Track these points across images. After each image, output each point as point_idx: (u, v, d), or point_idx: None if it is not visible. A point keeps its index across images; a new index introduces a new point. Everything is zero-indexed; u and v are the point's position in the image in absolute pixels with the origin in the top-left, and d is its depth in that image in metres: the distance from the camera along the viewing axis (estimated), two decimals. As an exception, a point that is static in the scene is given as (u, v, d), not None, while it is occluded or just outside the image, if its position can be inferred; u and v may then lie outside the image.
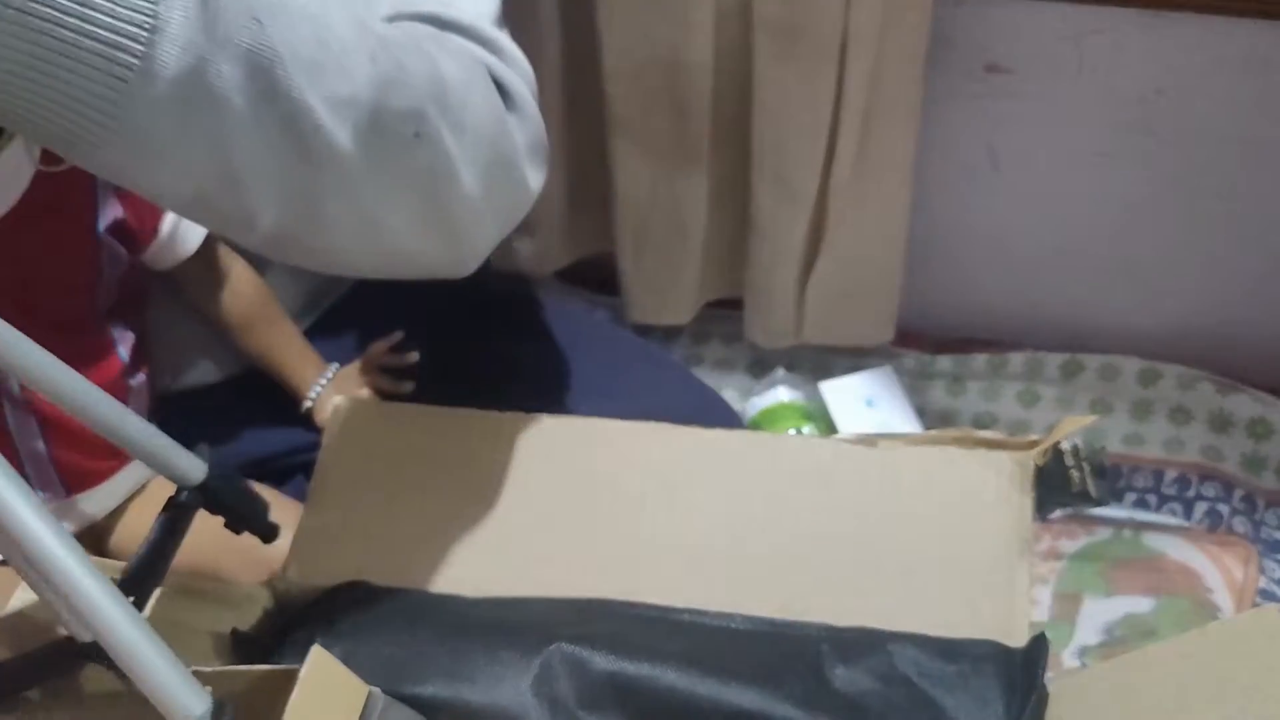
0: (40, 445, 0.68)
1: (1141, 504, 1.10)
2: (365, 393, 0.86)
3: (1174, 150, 1.05)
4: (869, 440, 0.65)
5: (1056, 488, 0.60)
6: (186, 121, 0.39)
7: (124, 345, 0.73)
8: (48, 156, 0.62)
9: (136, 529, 0.76)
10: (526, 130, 0.57)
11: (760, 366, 1.26)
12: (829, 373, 1.23)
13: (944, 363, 1.22)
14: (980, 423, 1.19)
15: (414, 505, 0.64)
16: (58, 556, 0.36)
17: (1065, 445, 0.61)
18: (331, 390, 0.85)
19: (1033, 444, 0.62)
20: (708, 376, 1.24)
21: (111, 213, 0.67)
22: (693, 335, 1.29)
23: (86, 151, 0.37)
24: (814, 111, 0.99)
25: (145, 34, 0.35)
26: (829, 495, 0.63)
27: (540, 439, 0.66)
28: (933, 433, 0.65)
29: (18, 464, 0.68)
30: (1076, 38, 0.98)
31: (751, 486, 0.64)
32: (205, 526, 0.74)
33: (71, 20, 0.34)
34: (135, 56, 0.35)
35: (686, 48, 0.98)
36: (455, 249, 0.55)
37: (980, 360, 1.21)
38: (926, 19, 0.93)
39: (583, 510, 0.63)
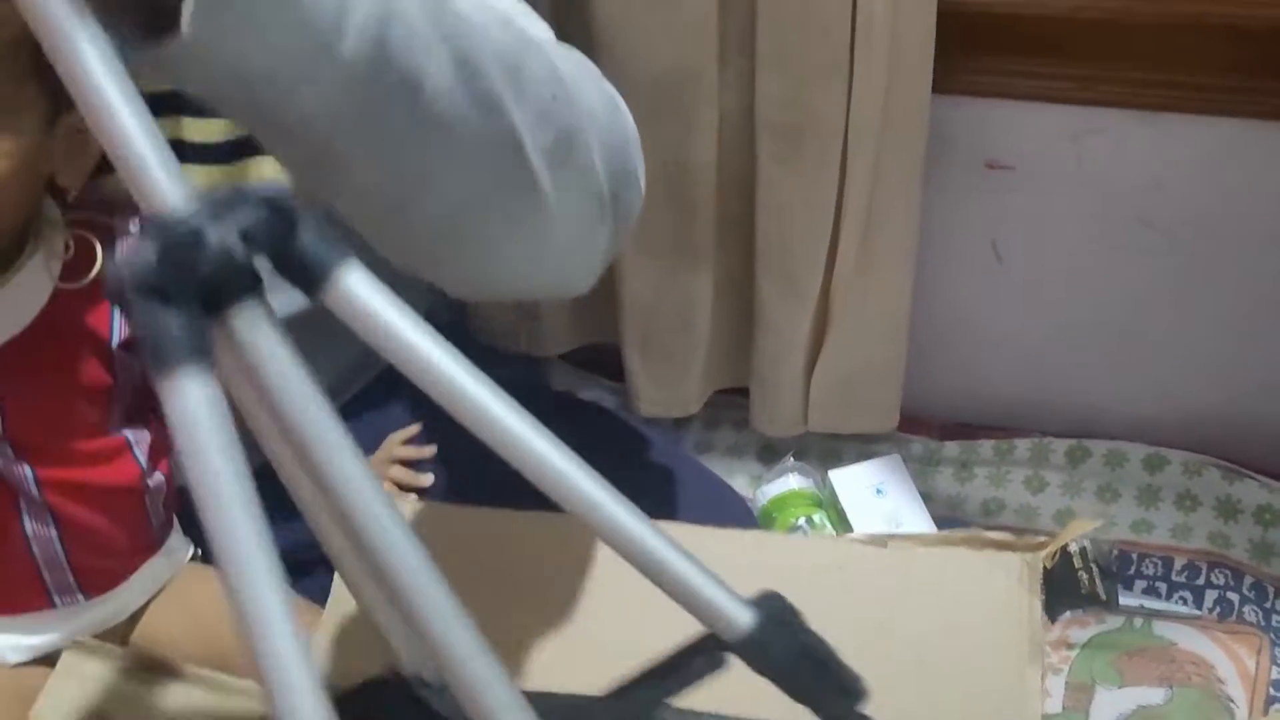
0: (58, 550, 0.69)
1: (1151, 592, 1.10)
2: (397, 468, 0.88)
3: (1175, 242, 1.07)
4: (880, 540, 0.66)
5: (1066, 590, 0.61)
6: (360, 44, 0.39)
7: (140, 447, 0.73)
8: (67, 273, 0.64)
9: (155, 629, 0.76)
10: (630, 125, 0.59)
11: (771, 452, 1.27)
12: (838, 459, 1.24)
13: (951, 449, 1.23)
14: (988, 509, 1.20)
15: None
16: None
17: (1073, 547, 0.62)
18: None
19: (1041, 545, 0.63)
20: (719, 463, 1.25)
21: (127, 329, 0.69)
22: (703, 421, 1.30)
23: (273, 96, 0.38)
24: (817, 210, 1.01)
25: None
26: (843, 596, 0.64)
27: (558, 537, 0.67)
28: (943, 534, 0.66)
29: (34, 570, 0.69)
30: (1075, 136, 1.01)
31: (766, 587, 0.64)
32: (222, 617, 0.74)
33: None
34: None
35: (692, 149, 1.01)
36: (584, 236, 0.56)
37: (987, 446, 1.23)
38: (925, 118, 0.96)
39: (600, 607, 0.64)
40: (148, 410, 0.76)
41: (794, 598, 0.63)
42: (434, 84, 0.42)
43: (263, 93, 0.38)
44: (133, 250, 0.29)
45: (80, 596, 0.71)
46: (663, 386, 1.22)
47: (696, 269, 1.10)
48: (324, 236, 0.33)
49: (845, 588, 0.64)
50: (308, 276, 0.33)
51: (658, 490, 0.89)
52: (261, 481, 0.36)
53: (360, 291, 0.33)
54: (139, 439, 0.74)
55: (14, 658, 0.70)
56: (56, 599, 0.70)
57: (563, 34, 0.96)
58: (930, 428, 1.27)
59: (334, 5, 0.37)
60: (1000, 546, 0.64)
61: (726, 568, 0.64)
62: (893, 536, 0.66)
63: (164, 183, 0.31)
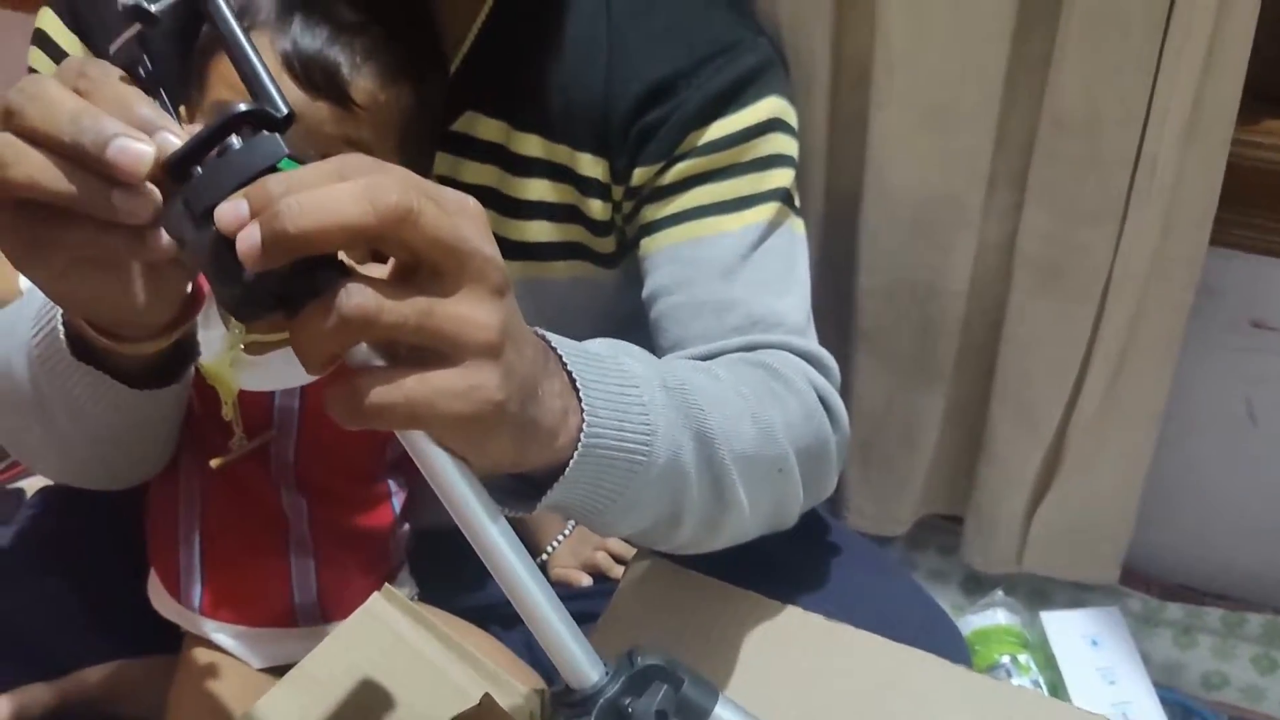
0: (312, 580, 0.74)
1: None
2: (601, 554, 0.90)
3: None
4: (1109, 726, 0.64)
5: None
6: (665, 486, 0.53)
7: (398, 499, 0.78)
8: None
9: None
10: (840, 438, 0.69)
11: (975, 583, 1.24)
12: (1048, 602, 1.20)
13: (1174, 611, 1.17)
14: (1209, 682, 1.13)
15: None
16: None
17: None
18: (568, 545, 0.89)
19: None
20: (919, 587, 1.23)
21: None
22: (908, 542, 1.28)
23: (594, 517, 0.52)
24: (1066, 348, 0.99)
25: (648, 438, 0.51)
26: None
27: (799, 636, 0.68)
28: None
29: (288, 594, 0.73)
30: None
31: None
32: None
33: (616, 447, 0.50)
34: (644, 455, 0.51)
35: (944, 275, 1.00)
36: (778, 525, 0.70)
37: (1214, 615, 1.16)
38: (1197, 271, 0.93)
39: (749, 680, 0.65)
40: (412, 464, 0.81)
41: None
42: (693, 492, 0.56)
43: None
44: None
45: (320, 621, 0.75)
46: (877, 501, 1.21)
47: (930, 389, 1.09)
48: (701, 686, 0.47)
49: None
50: (693, 716, 0.47)
51: (868, 599, 0.89)
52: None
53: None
54: (399, 493, 0.78)
55: (257, 663, 0.75)
56: (300, 620, 0.74)
57: (836, 149, 1.00)
58: (1149, 585, 1.21)
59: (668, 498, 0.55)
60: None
61: (943, 710, 0.64)
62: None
63: (583, 661, 0.44)
